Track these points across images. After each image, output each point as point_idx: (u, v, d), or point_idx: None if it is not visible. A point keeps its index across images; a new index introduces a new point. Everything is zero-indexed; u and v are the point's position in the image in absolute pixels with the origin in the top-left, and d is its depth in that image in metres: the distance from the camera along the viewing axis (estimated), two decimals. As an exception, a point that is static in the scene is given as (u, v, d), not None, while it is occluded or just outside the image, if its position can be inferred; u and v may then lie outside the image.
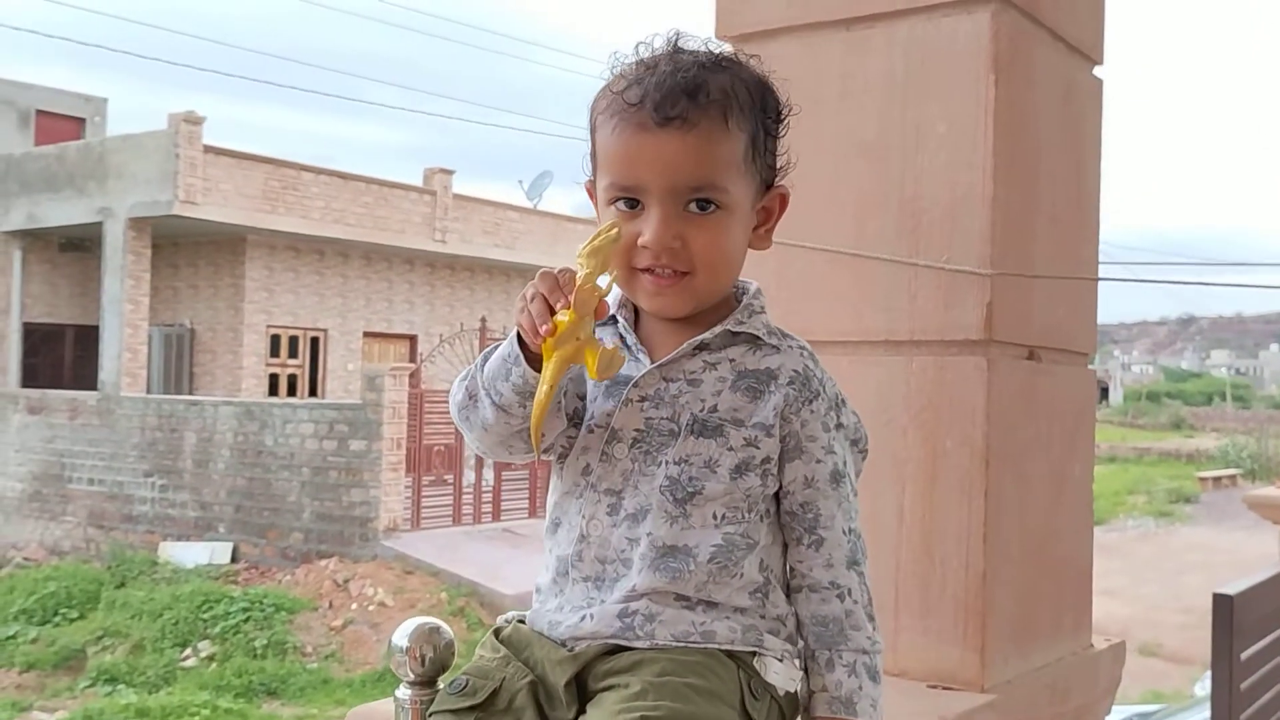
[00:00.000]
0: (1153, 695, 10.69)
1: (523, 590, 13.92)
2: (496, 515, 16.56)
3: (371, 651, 12.96)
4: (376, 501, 15.00)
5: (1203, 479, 30.45)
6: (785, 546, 1.27)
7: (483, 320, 18.42)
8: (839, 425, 1.27)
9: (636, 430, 1.25)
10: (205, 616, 13.49)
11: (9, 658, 13.31)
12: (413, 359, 17.45)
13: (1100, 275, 1.79)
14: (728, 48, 1.31)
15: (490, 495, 16.63)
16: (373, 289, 22.01)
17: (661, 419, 1.24)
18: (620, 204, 1.24)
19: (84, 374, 19.71)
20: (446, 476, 16.41)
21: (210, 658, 12.96)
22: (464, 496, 16.37)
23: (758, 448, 1.23)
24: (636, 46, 1.27)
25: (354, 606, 13.73)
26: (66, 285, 20.94)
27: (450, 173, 22.22)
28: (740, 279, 1.34)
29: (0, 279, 19.86)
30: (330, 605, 13.87)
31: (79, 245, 20.34)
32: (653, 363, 1.27)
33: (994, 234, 1.52)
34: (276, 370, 20.77)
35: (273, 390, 20.45)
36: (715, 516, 1.23)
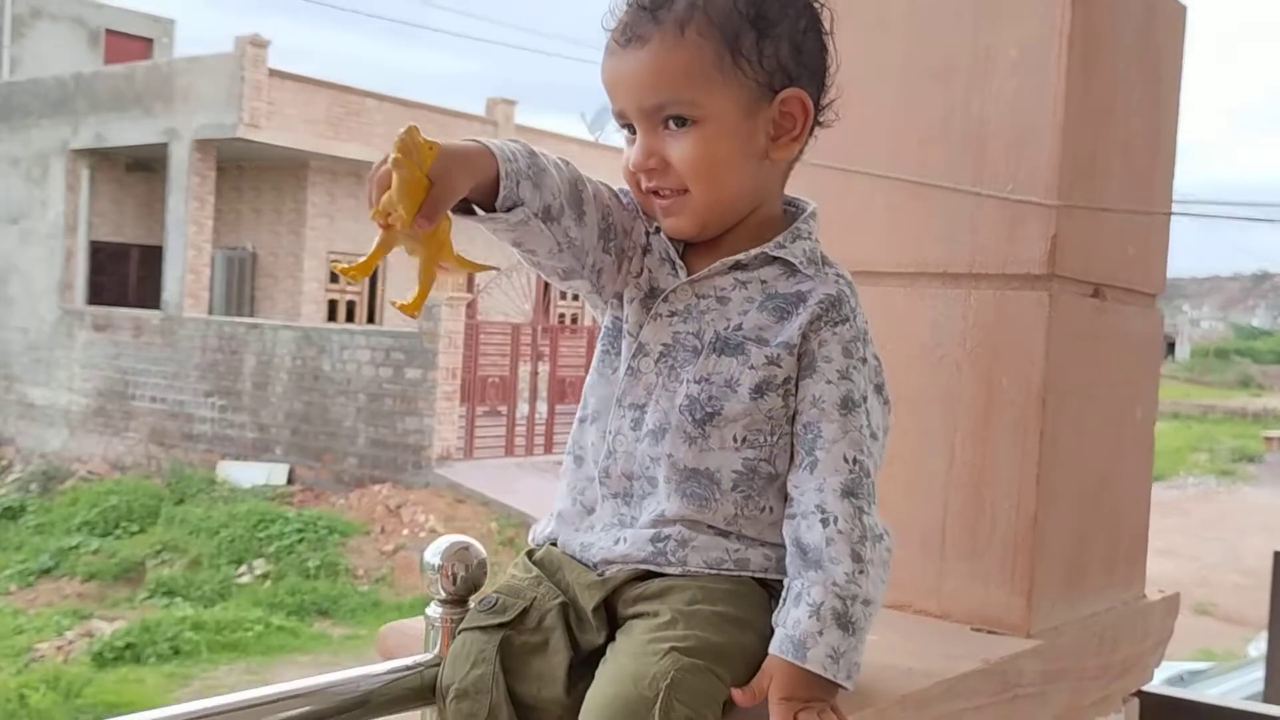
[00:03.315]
0: (1204, 654, 10.58)
1: (572, 522, 14.02)
2: (549, 447, 16.68)
3: (421, 578, 13.17)
4: (430, 430, 15.16)
5: (1268, 438, 29.91)
6: None
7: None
8: (863, 360, 1.20)
9: (663, 344, 1.22)
10: (261, 536, 13.78)
11: (71, 567, 13.70)
12: (470, 289, 17.51)
13: (1172, 210, 1.71)
14: None
15: (543, 428, 16.75)
16: (433, 218, 22.02)
17: (688, 334, 1.21)
18: (624, 131, 1.23)
19: (147, 293, 20.03)
20: (500, 408, 16.53)
21: (264, 576, 13.26)
22: (517, 428, 16.49)
23: (779, 366, 1.18)
24: None
25: (405, 532, 13.95)
26: (132, 205, 21.22)
27: (513, 103, 22.13)
28: (799, 198, 1.29)
29: (68, 197, 20.16)
30: (382, 530, 14.10)
31: (145, 166, 20.57)
32: (691, 273, 1.23)
33: (1062, 165, 1.45)
34: (335, 296, 20.98)
35: (331, 316, 20.67)
36: (735, 439, 1.18)
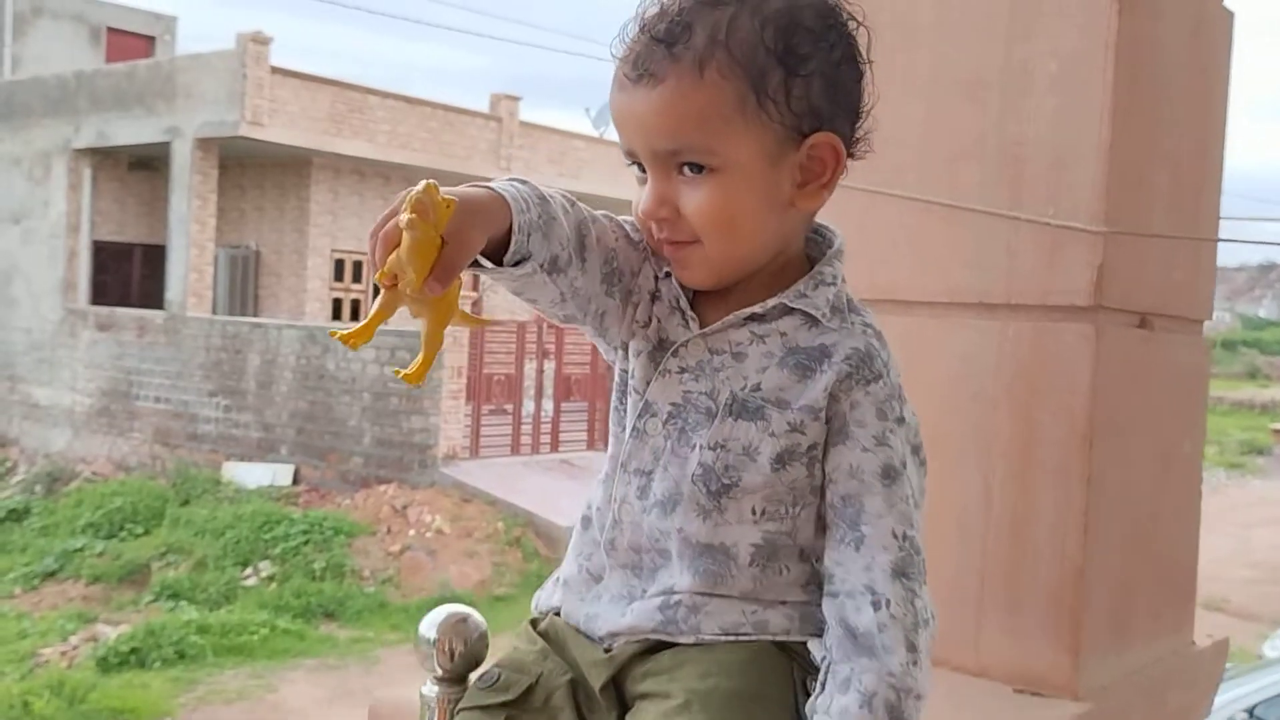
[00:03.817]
0: (1217, 652, 10.44)
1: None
2: (555, 446, 16.58)
3: (428, 578, 13.08)
4: (436, 429, 15.06)
5: (1277, 430, 29.72)
6: None
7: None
8: (899, 420, 1.09)
9: (672, 404, 1.10)
10: (266, 537, 13.69)
11: (76, 569, 13.62)
12: (475, 288, 17.39)
13: (1225, 235, 1.60)
14: None
15: (549, 426, 16.65)
16: (437, 215, 21.92)
17: (700, 394, 1.10)
18: (634, 170, 1.11)
19: (151, 293, 19.95)
20: (506, 406, 16.43)
21: (270, 578, 13.17)
22: (523, 426, 16.39)
23: (803, 434, 1.06)
24: None
25: (411, 533, 13.85)
26: (135, 204, 21.12)
27: (516, 99, 22.00)
28: (826, 229, 1.18)
29: (71, 196, 20.07)
30: (388, 530, 14.00)
31: (147, 164, 20.47)
32: (704, 326, 1.12)
33: (1108, 186, 1.34)
34: (340, 294, 20.88)
35: (336, 314, 20.57)
36: (754, 512, 1.08)
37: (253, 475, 16.02)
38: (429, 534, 13.82)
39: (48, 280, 20.11)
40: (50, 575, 13.65)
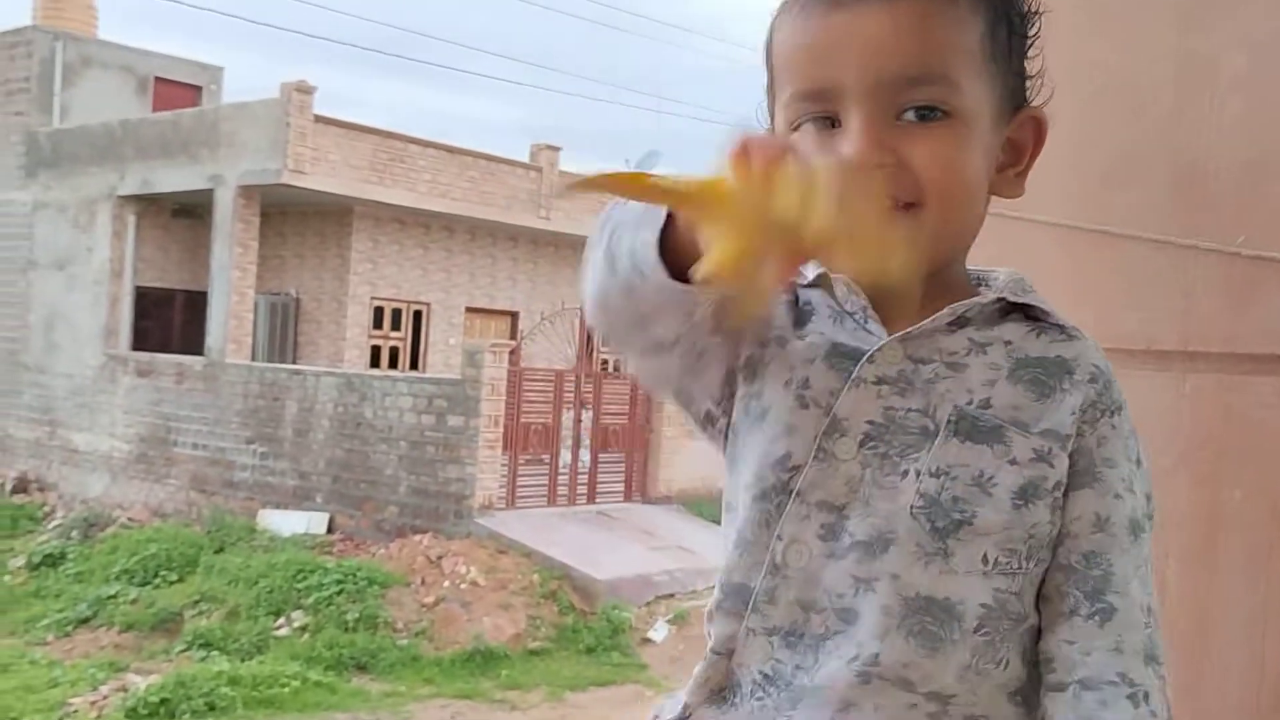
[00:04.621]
0: None
1: (615, 575, 13.69)
2: (592, 497, 16.34)
3: (462, 630, 12.82)
4: (472, 479, 14.87)
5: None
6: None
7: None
8: (1137, 461, 0.88)
9: (870, 423, 0.86)
10: (299, 586, 13.51)
11: (109, 617, 13.51)
12: (513, 336, 17.28)
13: None
14: None
15: (586, 476, 16.42)
16: (476, 264, 21.92)
17: (910, 411, 0.85)
18: (807, 123, 0.86)
19: (192, 339, 19.98)
20: (543, 456, 16.21)
21: (303, 628, 12.97)
22: (560, 477, 16.17)
23: (1051, 465, 0.84)
24: None
25: (446, 584, 13.61)
26: (177, 251, 21.23)
27: (557, 149, 22.00)
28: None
29: (114, 243, 20.19)
30: (422, 582, 13.77)
31: (190, 211, 20.59)
32: (890, 334, 0.87)
33: (1311, 208, 1.10)
34: (379, 342, 20.83)
35: (374, 362, 20.51)
36: (986, 560, 0.83)
37: (288, 523, 15.87)
38: (463, 585, 13.58)
39: (90, 326, 20.20)
40: (83, 622, 13.57)
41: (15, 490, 19.87)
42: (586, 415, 16.62)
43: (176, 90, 24.00)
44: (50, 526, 17.92)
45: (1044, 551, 0.84)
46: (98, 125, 20.94)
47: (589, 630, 13.02)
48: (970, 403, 0.85)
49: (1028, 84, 0.92)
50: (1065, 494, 0.84)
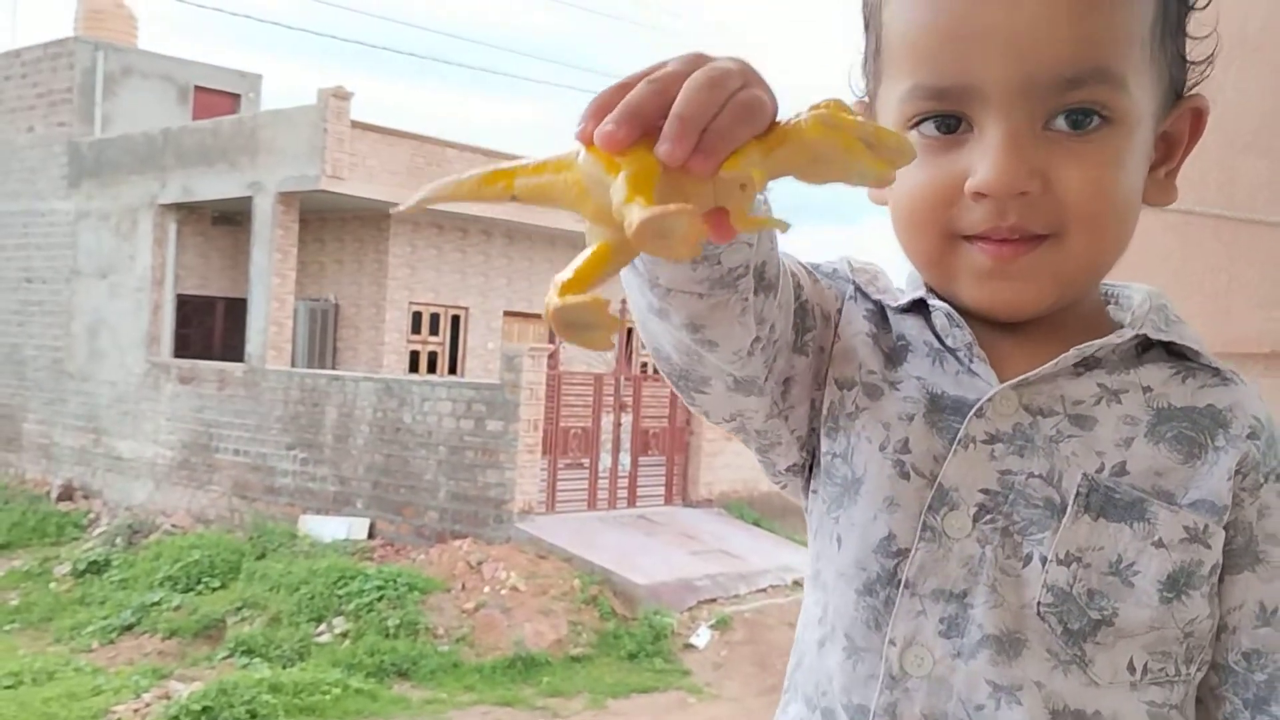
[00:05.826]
0: None
1: (656, 580, 13.57)
2: (632, 501, 16.25)
3: (502, 636, 12.75)
4: (512, 483, 14.81)
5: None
6: None
7: (623, 303, 18.05)
8: None
9: (985, 491, 0.70)
10: (340, 593, 13.50)
11: (153, 624, 13.56)
12: (552, 340, 17.19)
13: None
14: None
15: (626, 480, 16.32)
16: (514, 268, 21.91)
17: (1031, 476, 0.70)
18: (927, 126, 0.71)
19: (233, 345, 20.11)
20: (583, 460, 16.14)
21: (344, 634, 12.95)
22: (599, 481, 16.09)
23: (1206, 545, 0.68)
24: None
25: (486, 589, 13.56)
26: (218, 258, 21.38)
27: (594, 151, 21.94)
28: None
29: (156, 250, 20.35)
30: (463, 587, 13.72)
31: (230, 219, 20.73)
32: (1002, 380, 0.72)
33: None
34: (417, 347, 20.86)
35: (413, 367, 20.54)
36: (1133, 669, 0.68)
37: (328, 529, 15.89)
38: (504, 591, 13.52)
39: (133, 333, 20.37)
40: (127, 629, 13.64)
41: (61, 498, 20.07)
42: (626, 419, 16.53)
43: (216, 98, 24.18)
44: (95, 534, 18.07)
45: (1207, 653, 0.69)
46: (139, 134, 21.13)
47: (630, 636, 12.91)
48: (1102, 469, 0.69)
49: (1189, 67, 0.75)
50: (1220, 577, 0.69)
